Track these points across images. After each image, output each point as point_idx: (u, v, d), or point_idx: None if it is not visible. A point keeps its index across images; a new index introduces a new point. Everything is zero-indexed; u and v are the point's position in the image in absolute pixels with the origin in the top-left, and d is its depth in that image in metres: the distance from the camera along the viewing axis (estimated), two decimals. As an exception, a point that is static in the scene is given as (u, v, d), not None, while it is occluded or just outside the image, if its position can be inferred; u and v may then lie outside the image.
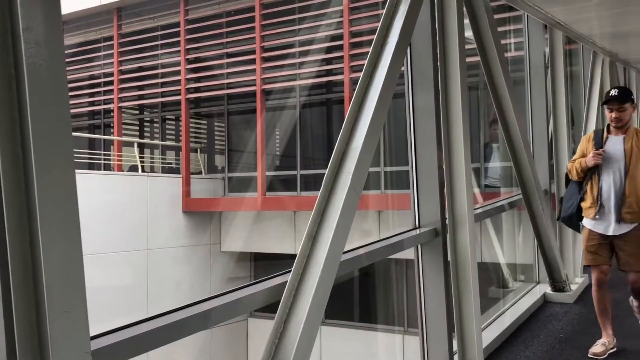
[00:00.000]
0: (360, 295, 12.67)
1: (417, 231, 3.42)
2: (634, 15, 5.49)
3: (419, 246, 3.43)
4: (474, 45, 4.21)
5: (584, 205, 3.92)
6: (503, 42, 5.13)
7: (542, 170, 5.56)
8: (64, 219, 1.37)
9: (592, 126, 6.89)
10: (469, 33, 3.95)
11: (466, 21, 3.91)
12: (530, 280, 5.70)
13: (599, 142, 3.89)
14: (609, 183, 3.79)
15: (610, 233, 3.80)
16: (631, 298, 4.08)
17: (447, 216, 3.45)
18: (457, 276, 3.40)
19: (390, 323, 11.99)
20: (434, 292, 3.39)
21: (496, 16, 4.30)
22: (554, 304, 5.06)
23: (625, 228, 3.76)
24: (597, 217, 3.83)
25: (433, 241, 3.41)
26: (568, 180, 4.11)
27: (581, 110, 7.30)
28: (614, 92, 3.80)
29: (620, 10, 5.35)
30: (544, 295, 5.20)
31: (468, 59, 3.63)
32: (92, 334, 1.48)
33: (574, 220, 4.04)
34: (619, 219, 3.74)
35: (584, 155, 3.95)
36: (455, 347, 3.42)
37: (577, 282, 5.50)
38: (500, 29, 4.77)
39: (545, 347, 4.11)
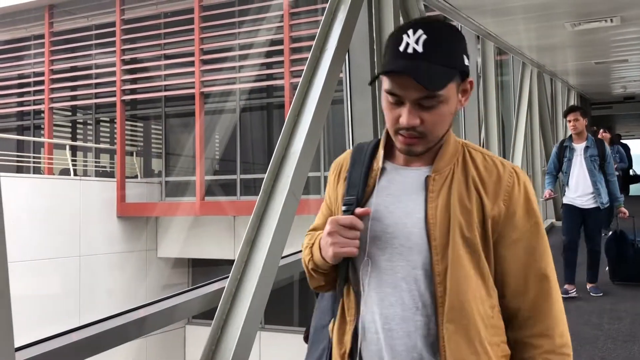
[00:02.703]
0: (300, 299, 12.68)
1: (355, 235, 3.46)
2: (558, 29, 5.79)
3: (357, 250, 3.48)
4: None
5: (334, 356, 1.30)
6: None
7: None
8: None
9: (521, 134, 7.20)
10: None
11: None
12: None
13: (357, 184, 1.29)
14: (386, 310, 1.21)
15: None
16: None
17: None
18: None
19: (330, 327, 12.05)
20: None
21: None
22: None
23: None
24: None
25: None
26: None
27: (511, 118, 7.63)
28: (410, 45, 1.15)
29: (546, 24, 5.63)
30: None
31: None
32: (18, 345, 1.42)
33: None
34: None
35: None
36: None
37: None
38: (435, 38, 4.91)
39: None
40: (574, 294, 5.21)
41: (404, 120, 1.17)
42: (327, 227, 1.21)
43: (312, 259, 1.32)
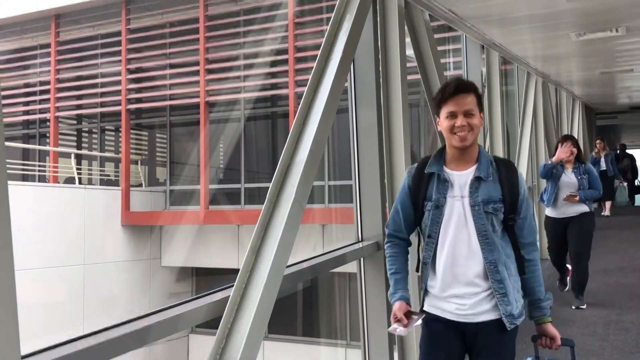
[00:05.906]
0: (304, 309, 12.64)
1: (360, 244, 3.45)
2: (563, 39, 5.80)
3: (362, 259, 3.47)
4: (415, 64, 4.33)
5: None
6: (443, 61, 5.30)
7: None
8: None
9: (525, 143, 7.19)
10: (410, 51, 4.07)
11: (408, 40, 4.03)
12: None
13: None
14: None
15: None
16: None
17: (388, 230, 3.50)
18: (398, 289, 3.45)
19: (333, 337, 12.01)
20: (375, 305, 3.42)
21: (436, 36, 4.44)
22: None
23: None
24: None
25: (375, 254, 3.45)
26: None
27: (516, 128, 7.63)
28: None
29: (551, 35, 5.64)
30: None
31: (409, 77, 3.73)
32: (23, 352, 1.42)
33: None
34: None
35: None
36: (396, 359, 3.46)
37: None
38: (440, 48, 4.94)
39: (483, 357, 4.22)
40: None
41: None
42: None
43: None
